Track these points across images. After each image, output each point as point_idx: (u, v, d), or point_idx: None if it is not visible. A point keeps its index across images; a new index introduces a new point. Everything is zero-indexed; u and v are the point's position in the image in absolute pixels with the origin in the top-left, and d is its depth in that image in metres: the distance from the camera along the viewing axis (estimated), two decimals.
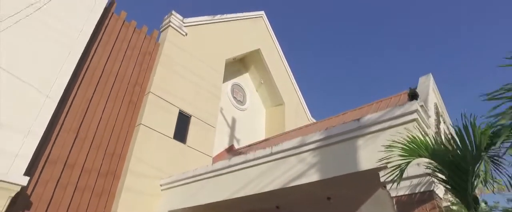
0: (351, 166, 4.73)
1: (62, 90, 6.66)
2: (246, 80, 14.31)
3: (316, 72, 43.29)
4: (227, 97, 12.74)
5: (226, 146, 11.84)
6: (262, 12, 14.73)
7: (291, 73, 15.18)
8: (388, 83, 39.49)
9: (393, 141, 3.29)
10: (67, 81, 6.82)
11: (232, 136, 12.31)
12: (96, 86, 7.70)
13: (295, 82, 15.21)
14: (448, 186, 2.96)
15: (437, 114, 6.67)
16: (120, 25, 8.88)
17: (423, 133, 4.24)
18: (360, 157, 4.67)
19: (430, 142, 3.03)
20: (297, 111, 14.57)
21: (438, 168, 3.01)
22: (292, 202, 7.28)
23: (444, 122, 7.76)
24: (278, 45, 15.02)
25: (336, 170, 4.89)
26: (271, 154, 5.77)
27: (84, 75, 7.52)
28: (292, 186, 5.33)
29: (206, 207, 6.83)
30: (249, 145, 11.29)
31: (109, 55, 8.25)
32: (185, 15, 10.48)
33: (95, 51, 7.93)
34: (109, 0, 8.53)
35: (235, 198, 6.16)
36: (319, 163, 5.14)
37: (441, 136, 5.89)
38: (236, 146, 12.02)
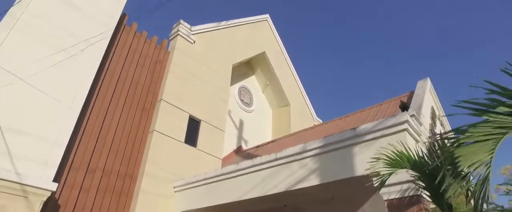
0: (348, 171, 5.18)
1: (83, 102, 7.23)
2: (252, 82, 14.77)
3: (322, 72, 43.54)
4: (234, 99, 13.23)
5: (234, 147, 12.35)
6: (267, 16, 15.12)
7: (296, 74, 15.58)
8: (391, 83, 39.57)
9: (380, 153, 3.73)
10: (87, 93, 7.39)
11: (240, 137, 12.81)
12: (112, 95, 8.27)
13: (300, 83, 15.61)
14: (428, 193, 3.39)
15: (433, 118, 7.04)
16: (132, 36, 9.42)
17: (411, 142, 4.66)
18: (356, 163, 5.11)
19: (412, 155, 3.46)
20: (302, 112, 14.99)
21: (419, 177, 3.44)
22: (298, 201, 7.76)
23: (442, 125, 8.12)
24: (283, 47, 15.41)
25: (335, 175, 5.35)
26: (276, 159, 6.24)
27: (100, 86, 8.08)
28: (295, 189, 5.80)
29: (218, 208, 7.36)
30: (257, 146, 11.78)
31: (123, 66, 8.80)
32: (191, 21, 10.97)
33: (110, 62, 8.48)
34: (121, 14, 9.05)
35: (243, 200, 6.67)
36: (319, 168, 5.59)
37: (434, 140, 6.27)
38: (244, 147, 12.52)
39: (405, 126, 4.73)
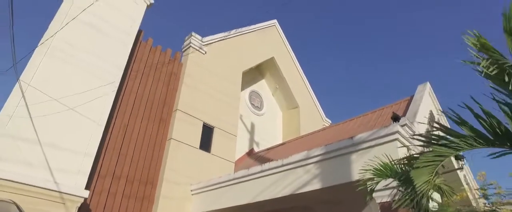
0: (346, 176, 5.71)
1: (107, 116, 8.01)
2: (262, 86, 15.34)
3: (331, 73, 43.64)
4: (245, 104, 13.85)
5: (247, 149, 13.00)
6: (275, 21, 15.62)
7: (305, 77, 16.04)
8: (401, 83, 39.34)
9: (368, 165, 4.26)
10: (110, 108, 8.16)
11: (251, 140, 13.45)
12: (132, 108, 9.04)
13: (308, 84, 16.07)
14: (407, 198, 3.90)
15: (430, 122, 7.44)
16: (148, 51, 10.16)
17: (402, 150, 5.16)
18: (353, 170, 5.64)
19: (394, 167, 3.97)
20: (312, 113, 15.47)
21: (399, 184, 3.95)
22: (306, 202, 8.31)
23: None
24: (291, 51, 15.88)
25: (335, 180, 5.89)
26: (282, 165, 6.83)
27: (121, 100, 8.85)
28: (300, 193, 6.38)
29: (232, 209, 8.02)
30: (268, 149, 12.38)
31: (140, 80, 9.56)
32: (199, 29, 11.62)
33: (128, 78, 9.25)
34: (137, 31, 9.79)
35: (255, 202, 7.29)
36: (322, 173, 6.15)
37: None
38: (256, 150, 13.15)
39: (396, 136, 5.22)
